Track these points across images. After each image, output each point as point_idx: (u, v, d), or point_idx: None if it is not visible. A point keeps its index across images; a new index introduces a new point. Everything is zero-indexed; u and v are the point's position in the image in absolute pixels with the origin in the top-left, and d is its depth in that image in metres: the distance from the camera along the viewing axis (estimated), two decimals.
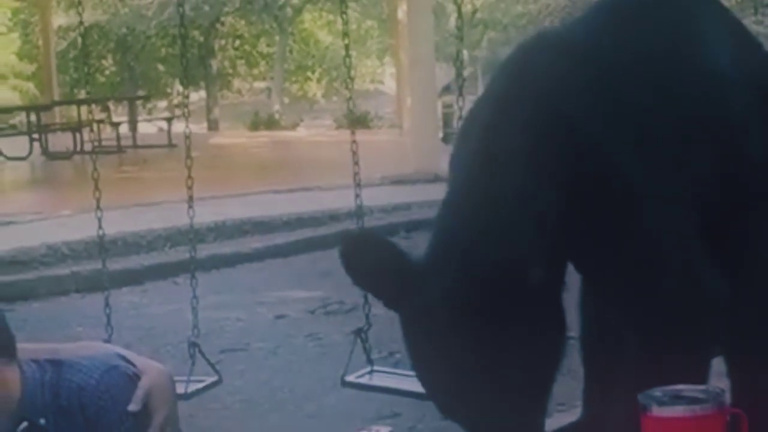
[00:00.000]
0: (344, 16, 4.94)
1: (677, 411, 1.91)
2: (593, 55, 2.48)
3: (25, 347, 2.45)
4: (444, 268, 2.31)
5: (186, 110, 5.15)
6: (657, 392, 1.95)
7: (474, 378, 2.30)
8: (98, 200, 4.92)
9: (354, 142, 4.83)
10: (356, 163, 4.86)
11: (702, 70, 2.56)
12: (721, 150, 2.54)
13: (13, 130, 17.56)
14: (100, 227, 5.00)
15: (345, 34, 4.91)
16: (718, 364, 2.69)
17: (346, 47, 4.83)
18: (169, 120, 17.62)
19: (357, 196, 4.87)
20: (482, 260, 2.23)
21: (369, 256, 2.46)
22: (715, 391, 1.96)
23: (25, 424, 2.35)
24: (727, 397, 2.03)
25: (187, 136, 4.96)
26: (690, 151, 2.47)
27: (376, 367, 4.61)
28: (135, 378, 2.41)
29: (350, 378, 4.52)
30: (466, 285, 2.25)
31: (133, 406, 2.39)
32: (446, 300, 2.28)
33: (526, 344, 2.27)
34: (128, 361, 2.45)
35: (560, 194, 2.32)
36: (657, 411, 1.92)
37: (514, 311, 2.23)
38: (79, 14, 5.30)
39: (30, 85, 26.00)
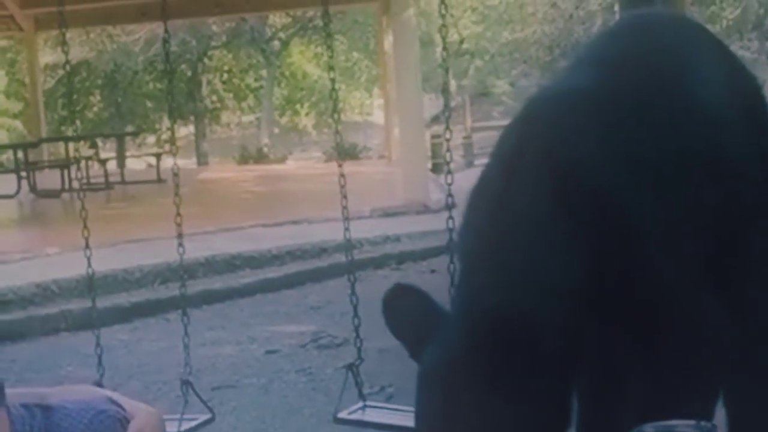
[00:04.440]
0: (330, 50, 4.95)
1: None
2: (598, 106, 2.47)
3: (13, 392, 2.43)
4: (457, 331, 2.32)
5: (174, 147, 5.15)
6: (649, 428, 1.94)
7: None
8: (87, 239, 4.91)
9: (342, 176, 4.83)
10: (344, 197, 4.87)
11: (702, 108, 2.55)
12: (723, 187, 2.53)
13: (1, 168, 17.55)
14: (89, 266, 4.99)
15: (331, 68, 4.93)
16: None
17: (332, 81, 4.84)
18: (157, 155, 17.61)
19: (346, 229, 4.87)
20: (494, 324, 2.23)
21: (405, 309, 2.48)
22: (707, 426, 1.95)
23: None
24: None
25: (176, 173, 4.96)
26: (697, 192, 2.46)
27: (368, 403, 4.59)
28: (125, 422, 2.39)
29: (342, 414, 4.50)
30: (475, 347, 2.25)
31: None
32: (452, 361, 2.28)
33: (525, 416, 2.25)
34: (118, 404, 2.43)
35: (575, 251, 2.30)
36: None
37: (519, 378, 2.21)
38: (65, 53, 5.30)
39: (17, 123, 26.02)
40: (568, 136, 2.41)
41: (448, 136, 4.46)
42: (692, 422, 1.91)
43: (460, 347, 2.29)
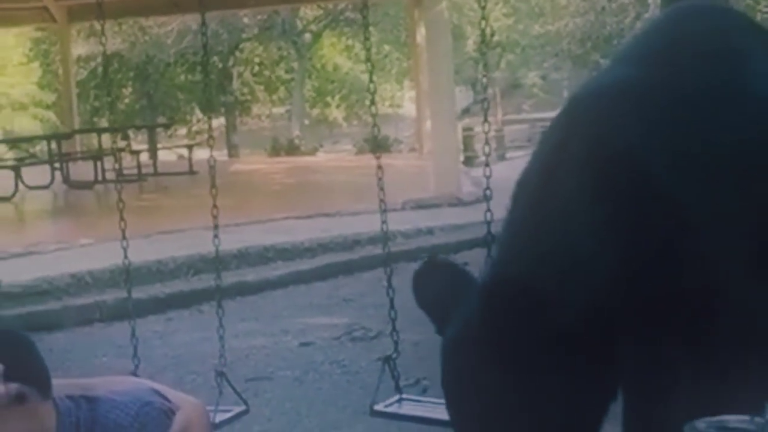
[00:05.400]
0: (367, 42, 4.93)
1: None
2: (642, 100, 2.45)
3: (59, 383, 2.44)
4: (475, 307, 2.34)
5: (211, 139, 5.14)
6: (701, 423, 1.92)
7: (493, 414, 2.31)
8: (123, 231, 4.91)
9: (379, 168, 4.82)
10: (381, 189, 4.85)
11: (749, 100, 2.52)
12: None
13: (35, 159, 17.65)
14: (125, 257, 4.99)
15: (368, 60, 4.90)
16: None
17: (370, 74, 4.82)
18: (189, 147, 17.67)
19: (383, 222, 4.86)
20: (511, 303, 2.24)
21: (433, 284, 2.51)
22: (761, 421, 1.93)
23: None
24: None
25: (212, 166, 4.95)
26: (739, 184, 2.44)
27: (404, 396, 4.58)
28: (170, 413, 2.40)
29: (379, 407, 4.49)
30: (489, 323, 2.27)
31: None
32: (467, 336, 2.31)
33: (551, 397, 2.26)
34: (163, 396, 2.45)
35: (614, 244, 2.29)
36: None
37: (534, 355, 2.23)
38: (102, 45, 5.31)
39: (50, 114, 26.15)
40: (612, 130, 2.40)
41: (486, 129, 4.43)
42: (746, 417, 1.89)
43: (475, 324, 2.32)
